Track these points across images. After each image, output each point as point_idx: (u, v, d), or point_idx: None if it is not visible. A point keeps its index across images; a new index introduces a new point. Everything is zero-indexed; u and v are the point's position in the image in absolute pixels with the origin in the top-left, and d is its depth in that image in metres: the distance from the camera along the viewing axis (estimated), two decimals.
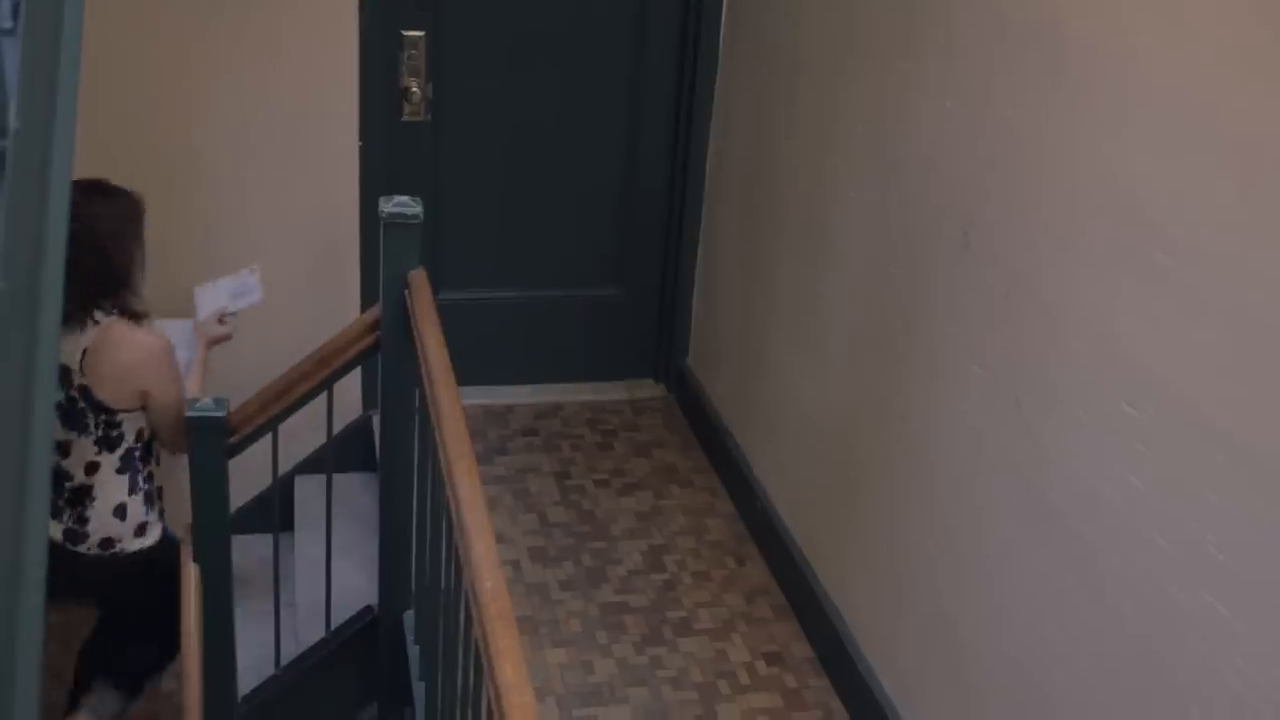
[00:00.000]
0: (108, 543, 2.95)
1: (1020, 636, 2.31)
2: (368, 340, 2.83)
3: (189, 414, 2.83)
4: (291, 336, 3.49)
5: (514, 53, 3.73)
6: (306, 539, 3.48)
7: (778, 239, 3.39)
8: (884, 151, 2.78)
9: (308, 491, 3.60)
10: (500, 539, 3.32)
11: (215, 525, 2.91)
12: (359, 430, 3.79)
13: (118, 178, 2.92)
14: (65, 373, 2.82)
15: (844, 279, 2.99)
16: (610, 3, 3.79)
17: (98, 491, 2.93)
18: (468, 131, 3.78)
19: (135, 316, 2.89)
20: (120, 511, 2.94)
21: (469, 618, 1.99)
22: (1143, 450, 1.98)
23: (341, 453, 3.33)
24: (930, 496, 2.62)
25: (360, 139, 3.58)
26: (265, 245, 3.54)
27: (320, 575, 3.13)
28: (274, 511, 3.06)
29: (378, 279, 2.80)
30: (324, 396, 2.92)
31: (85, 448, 2.91)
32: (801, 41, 3.22)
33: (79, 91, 1.25)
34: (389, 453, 2.90)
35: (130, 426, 2.93)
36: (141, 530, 2.99)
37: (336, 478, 3.10)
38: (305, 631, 3.27)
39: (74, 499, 2.92)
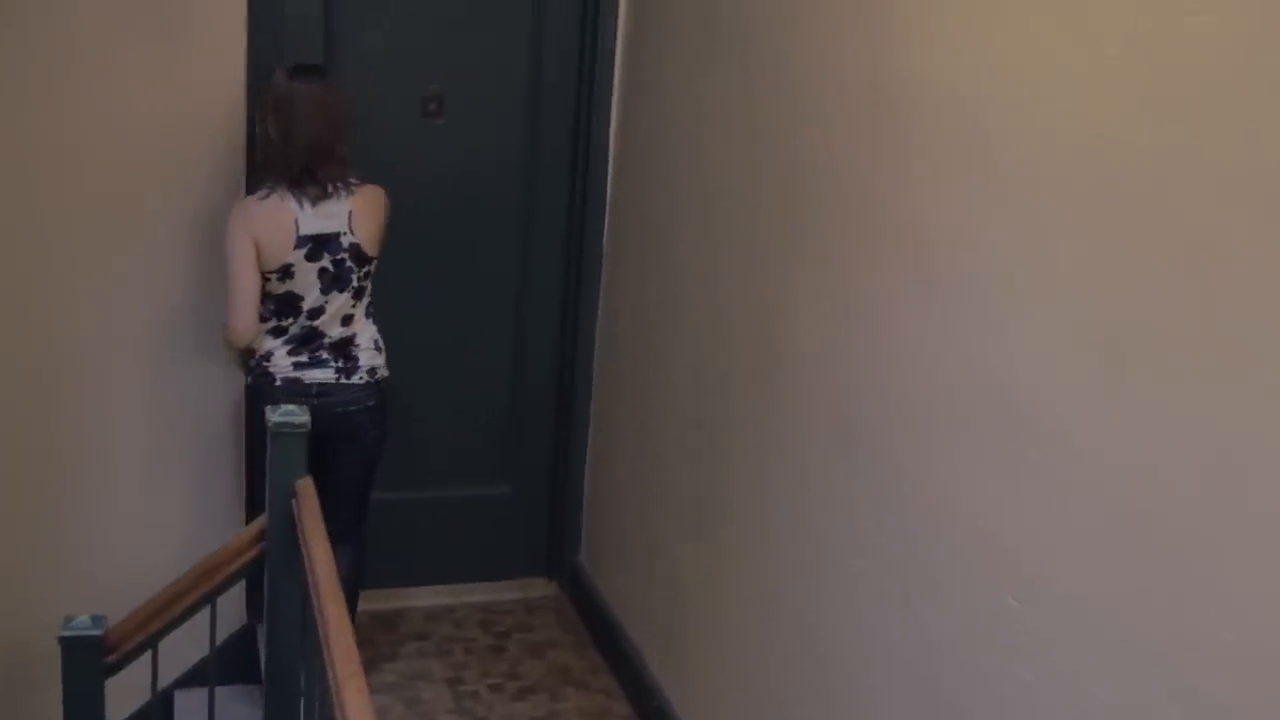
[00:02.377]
0: (373, 370, 3.37)
1: None
2: (253, 552, 2.78)
3: (62, 633, 2.72)
4: (174, 544, 3.43)
5: (402, 250, 3.78)
6: None
7: (667, 433, 3.43)
8: (766, 349, 2.85)
9: (188, 707, 3.46)
10: None
11: None
12: (242, 639, 3.67)
13: None
14: (330, 239, 3.20)
15: (732, 473, 3.03)
16: (498, 200, 3.88)
17: (359, 338, 3.34)
18: None
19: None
20: (377, 345, 3.39)
21: None
22: (1029, 644, 2.00)
23: (225, 664, 3.22)
24: (827, 692, 2.61)
25: None
26: (146, 447, 3.48)
27: None
28: None
29: (264, 486, 2.77)
30: (207, 609, 2.84)
31: (343, 303, 3.28)
32: (682, 243, 3.32)
33: None
34: (275, 668, 2.81)
35: (372, 272, 3.34)
36: (386, 359, 3.42)
37: (219, 691, 2.99)
38: None
39: (338, 347, 3.31)
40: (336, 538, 3.39)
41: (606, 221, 3.86)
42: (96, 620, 2.76)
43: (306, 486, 2.67)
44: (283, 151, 3.15)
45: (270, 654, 2.83)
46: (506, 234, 3.92)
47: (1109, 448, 1.84)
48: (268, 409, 2.72)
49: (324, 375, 3.28)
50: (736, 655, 3.01)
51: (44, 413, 3.38)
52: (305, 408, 2.74)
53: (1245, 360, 1.61)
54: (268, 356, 3.27)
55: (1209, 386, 1.67)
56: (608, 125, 3.80)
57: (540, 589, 4.19)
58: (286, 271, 3.19)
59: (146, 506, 3.52)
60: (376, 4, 3.65)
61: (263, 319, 3.27)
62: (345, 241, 3.23)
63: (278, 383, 3.26)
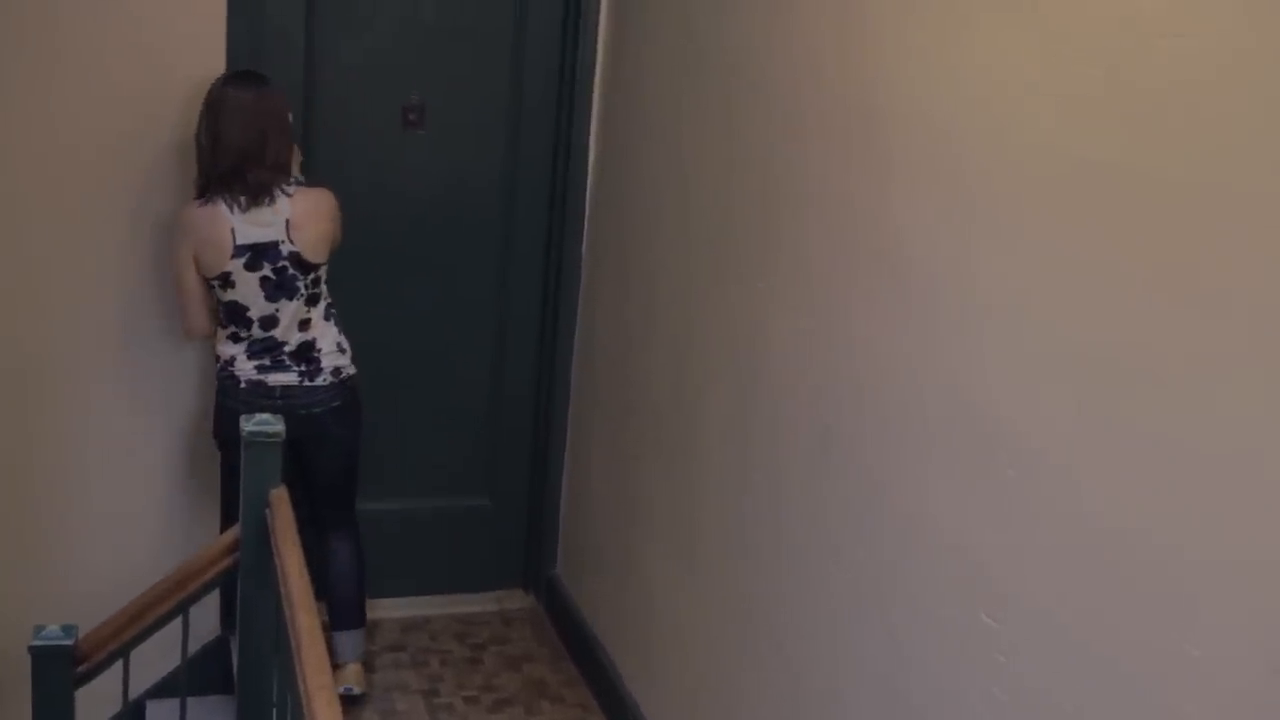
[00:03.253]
0: (336, 370, 3.37)
1: None
2: (226, 561, 2.76)
3: (33, 643, 2.70)
4: (147, 552, 3.41)
5: (381, 260, 3.78)
6: None
7: (643, 446, 3.43)
8: (743, 362, 2.85)
9: (160, 718, 3.43)
10: None
11: None
12: (216, 650, 3.65)
13: None
14: (268, 248, 3.17)
15: (708, 486, 3.03)
16: (478, 210, 3.89)
17: (320, 342, 3.33)
18: None
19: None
20: (340, 346, 3.38)
21: None
22: (1003, 661, 2.01)
23: (197, 675, 3.20)
24: (800, 706, 2.60)
25: None
26: (118, 455, 3.46)
27: None
28: None
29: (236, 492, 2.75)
30: (180, 618, 2.82)
31: (295, 311, 3.27)
32: (660, 254, 3.32)
33: None
34: (247, 679, 2.80)
35: (323, 276, 3.31)
36: (351, 357, 3.42)
37: (191, 701, 2.97)
38: None
39: (299, 353, 3.31)
40: (330, 528, 3.55)
41: (585, 232, 3.87)
42: (67, 630, 2.74)
43: (280, 496, 2.65)
44: (211, 156, 3.15)
45: (242, 664, 2.82)
46: (486, 244, 3.92)
47: (1082, 464, 1.85)
48: (242, 418, 2.71)
49: (287, 378, 3.30)
50: (711, 668, 3.01)
51: (14, 418, 3.36)
52: (279, 417, 2.72)
53: (1217, 378, 1.62)
54: (231, 361, 3.30)
55: (1181, 404, 1.67)
56: (587, 136, 3.80)
57: (517, 601, 4.18)
58: (226, 280, 3.19)
59: (119, 514, 3.50)
60: (358, 14, 3.64)
61: (221, 324, 3.29)
62: (284, 250, 3.20)
63: (242, 384, 3.28)
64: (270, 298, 3.23)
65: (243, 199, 3.15)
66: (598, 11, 3.72)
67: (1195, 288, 1.65)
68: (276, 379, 3.29)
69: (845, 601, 2.45)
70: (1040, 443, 1.93)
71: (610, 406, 3.70)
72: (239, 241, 3.16)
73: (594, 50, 3.75)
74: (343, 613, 3.57)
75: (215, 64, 3.31)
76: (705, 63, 3.08)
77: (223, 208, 3.15)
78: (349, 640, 3.58)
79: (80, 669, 2.75)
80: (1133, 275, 1.75)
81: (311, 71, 3.58)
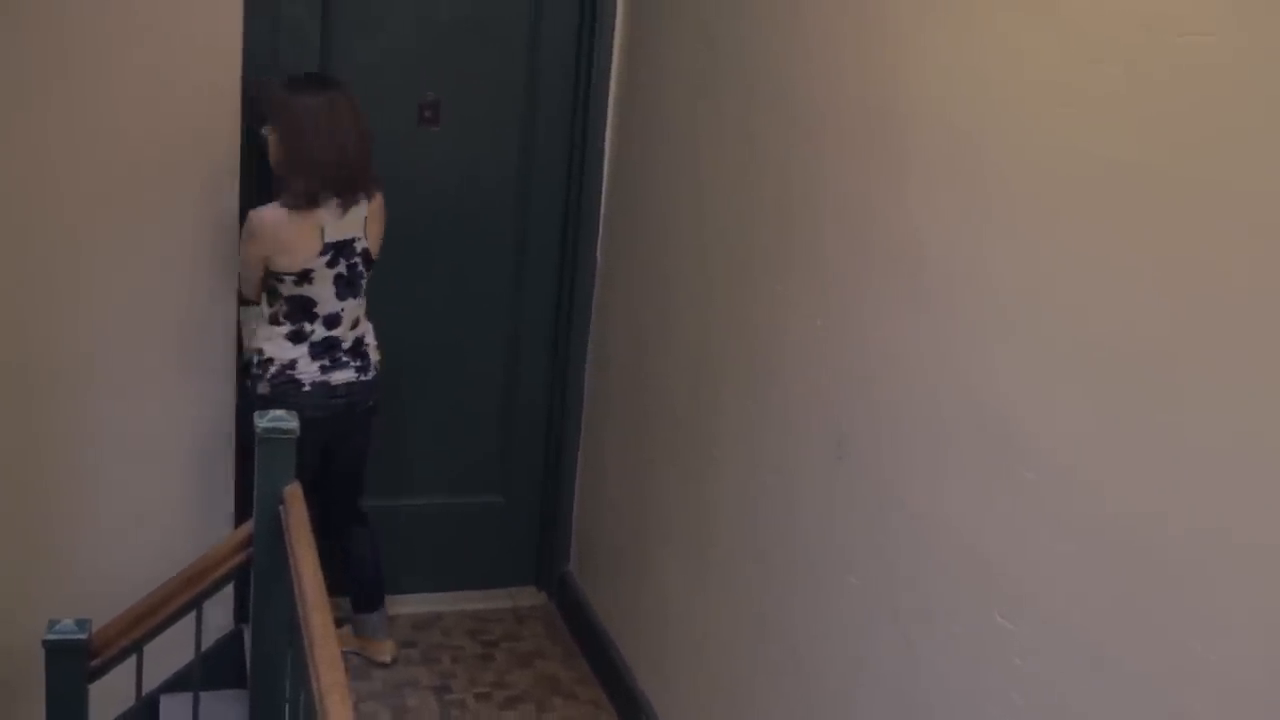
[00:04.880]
0: (378, 365, 3.48)
1: None
2: (239, 558, 2.77)
3: (46, 637, 2.71)
4: (161, 548, 3.41)
5: (397, 258, 3.77)
6: None
7: (657, 447, 3.42)
8: (758, 365, 2.85)
9: (174, 712, 3.44)
10: None
11: None
12: (229, 645, 3.65)
13: None
14: (348, 245, 3.29)
15: (722, 488, 3.02)
16: (493, 209, 3.88)
17: (367, 337, 3.45)
18: None
19: None
20: (377, 341, 3.49)
21: None
22: (1019, 665, 2.00)
23: (210, 670, 3.21)
24: (813, 708, 2.60)
25: (239, 347, 3.55)
26: (133, 450, 3.48)
27: None
28: None
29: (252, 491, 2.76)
30: (193, 614, 2.83)
31: (354, 308, 3.38)
32: (676, 256, 3.31)
33: None
34: (260, 675, 2.80)
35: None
36: None
37: (205, 696, 2.98)
38: None
39: (354, 349, 3.40)
40: (352, 516, 3.67)
41: (600, 233, 3.86)
42: (81, 624, 2.75)
43: (295, 493, 2.66)
44: (334, 160, 3.17)
45: (255, 660, 2.82)
46: (501, 243, 3.92)
47: (1097, 466, 1.84)
48: (256, 414, 2.71)
49: (347, 376, 3.38)
50: (724, 668, 3.00)
51: (29, 416, 3.37)
52: (294, 413, 2.73)
53: (1234, 380, 1.61)
54: (291, 365, 3.30)
55: (1196, 406, 1.67)
56: (603, 136, 3.80)
57: (529, 598, 4.18)
58: (306, 275, 3.24)
59: (133, 510, 3.50)
60: (373, 13, 3.64)
61: (278, 321, 3.30)
62: (359, 246, 3.31)
63: (306, 388, 3.31)
64: (340, 295, 3.30)
65: (343, 200, 3.22)
66: (614, 11, 3.71)
67: (1214, 289, 1.64)
68: (339, 377, 3.35)
69: (858, 603, 2.44)
70: (1056, 445, 1.93)
71: (625, 406, 3.70)
72: (327, 239, 3.22)
73: (610, 50, 3.74)
74: (372, 594, 3.72)
75: (232, 64, 3.31)
76: (722, 64, 3.07)
77: (320, 211, 3.20)
78: (380, 618, 3.75)
79: (94, 663, 2.76)
80: (1151, 276, 1.74)
81: (327, 70, 3.58)
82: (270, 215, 3.20)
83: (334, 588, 3.70)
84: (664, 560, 3.38)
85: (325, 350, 3.33)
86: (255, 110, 3.33)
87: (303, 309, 3.28)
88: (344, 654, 3.60)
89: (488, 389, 4.04)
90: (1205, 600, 1.65)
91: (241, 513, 3.52)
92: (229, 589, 3.27)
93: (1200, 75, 1.66)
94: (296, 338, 3.30)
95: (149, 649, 2.84)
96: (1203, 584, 1.66)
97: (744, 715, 2.90)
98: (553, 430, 4.09)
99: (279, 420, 2.67)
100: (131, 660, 2.80)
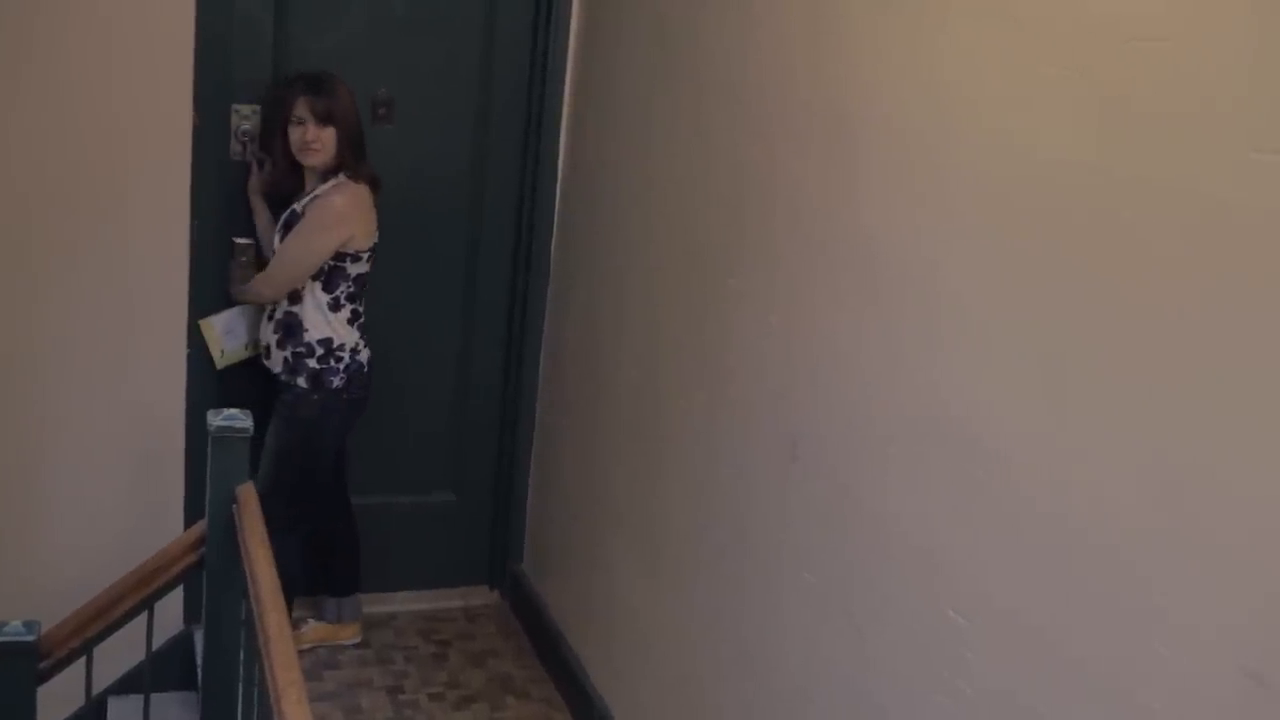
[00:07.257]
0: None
1: None
2: (191, 558, 2.74)
3: None
4: (111, 547, 3.37)
5: None
6: None
7: (611, 445, 3.43)
8: (711, 362, 2.86)
9: (123, 714, 3.40)
10: None
11: None
12: (179, 645, 3.62)
13: None
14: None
15: (677, 487, 3.03)
16: (446, 206, 3.87)
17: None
18: None
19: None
20: None
21: None
22: (971, 658, 2.02)
23: (160, 671, 3.17)
24: (767, 705, 2.61)
25: (188, 345, 3.52)
26: (82, 448, 3.43)
27: None
28: None
29: (203, 490, 2.73)
30: (144, 615, 2.80)
31: None
32: (629, 252, 3.32)
33: None
34: (211, 676, 2.78)
35: None
36: None
37: (154, 697, 2.95)
38: None
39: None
40: (349, 503, 3.80)
41: (555, 230, 3.86)
42: (30, 625, 2.71)
43: (249, 492, 2.64)
44: (350, 142, 3.34)
45: (207, 661, 2.80)
46: (454, 240, 3.91)
47: (1050, 465, 1.87)
48: (210, 412, 2.69)
49: (369, 353, 3.54)
50: (677, 666, 3.01)
51: None
52: (248, 411, 2.70)
53: (1188, 383, 1.64)
54: (356, 350, 3.45)
55: (1151, 408, 1.69)
56: (558, 133, 3.80)
57: (482, 597, 4.17)
58: (374, 251, 3.44)
59: (82, 509, 3.46)
60: (327, 7, 3.62)
61: (338, 305, 3.39)
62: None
63: (365, 369, 3.51)
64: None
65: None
66: (569, 7, 3.71)
67: (1164, 290, 1.67)
68: (368, 354, 3.52)
69: (812, 600, 2.46)
70: (1008, 444, 1.95)
71: (578, 403, 3.70)
72: None
73: (565, 47, 3.74)
74: (351, 577, 3.82)
75: (184, 56, 3.28)
76: (676, 61, 3.08)
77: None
78: (354, 602, 3.84)
79: (43, 665, 2.72)
80: (1107, 278, 1.77)
81: (281, 64, 3.55)
82: (353, 196, 3.34)
83: (308, 588, 3.76)
84: (617, 558, 3.38)
85: (363, 329, 3.49)
86: (274, 115, 3.40)
87: (362, 287, 3.41)
88: (307, 650, 3.64)
89: (441, 386, 4.02)
90: (1159, 597, 1.68)
91: (191, 513, 3.49)
92: (179, 590, 3.23)
93: (1152, 80, 1.69)
94: (354, 318, 3.43)
95: (98, 650, 2.81)
96: (1156, 580, 1.69)
97: (697, 712, 2.91)
98: (506, 428, 4.08)
99: (232, 419, 2.65)
100: (80, 662, 2.77)
